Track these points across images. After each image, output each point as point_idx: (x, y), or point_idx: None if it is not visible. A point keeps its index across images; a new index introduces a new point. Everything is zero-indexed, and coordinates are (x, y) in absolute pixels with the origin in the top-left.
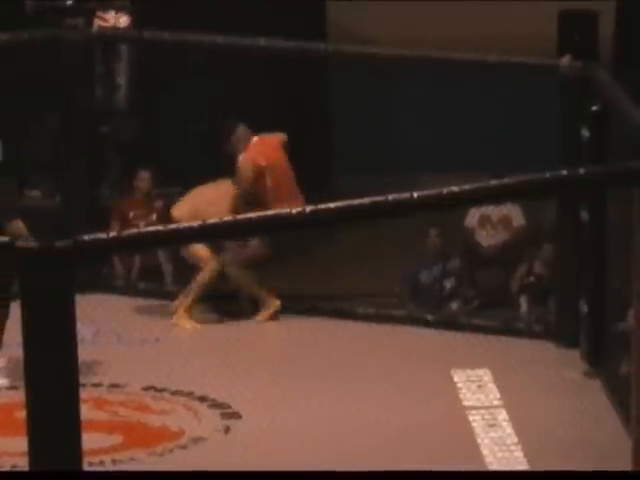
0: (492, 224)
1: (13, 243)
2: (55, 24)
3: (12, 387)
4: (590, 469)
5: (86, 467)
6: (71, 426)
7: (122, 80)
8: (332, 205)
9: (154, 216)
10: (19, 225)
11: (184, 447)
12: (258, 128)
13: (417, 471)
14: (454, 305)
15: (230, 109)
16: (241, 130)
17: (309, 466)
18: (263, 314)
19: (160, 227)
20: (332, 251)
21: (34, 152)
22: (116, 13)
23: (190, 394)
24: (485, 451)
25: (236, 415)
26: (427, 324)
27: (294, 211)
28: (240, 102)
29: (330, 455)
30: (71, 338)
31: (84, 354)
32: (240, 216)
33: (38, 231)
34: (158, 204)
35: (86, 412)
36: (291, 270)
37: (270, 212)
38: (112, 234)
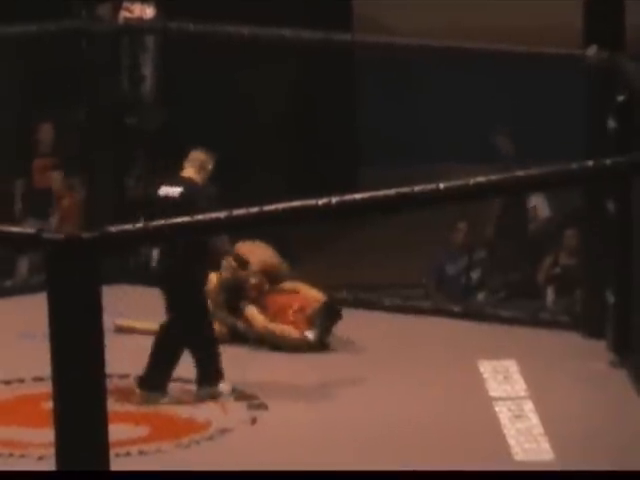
0: None
1: (41, 234)
2: (82, 15)
3: (38, 378)
4: (616, 459)
5: (113, 458)
6: (98, 417)
7: (148, 71)
8: (358, 196)
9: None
10: None
11: (211, 438)
12: (284, 120)
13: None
14: (480, 296)
15: (255, 101)
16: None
17: (334, 456)
18: None
19: (186, 219)
20: (358, 242)
21: (60, 143)
22: (142, 4)
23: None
24: (512, 442)
25: (263, 406)
26: (453, 315)
27: (320, 202)
28: (265, 96)
29: (355, 445)
30: (98, 329)
31: (111, 345)
32: (267, 206)
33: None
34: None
35: (113, 403)
36: (318, 261)
37: (296, 203)
38: (138, 226)
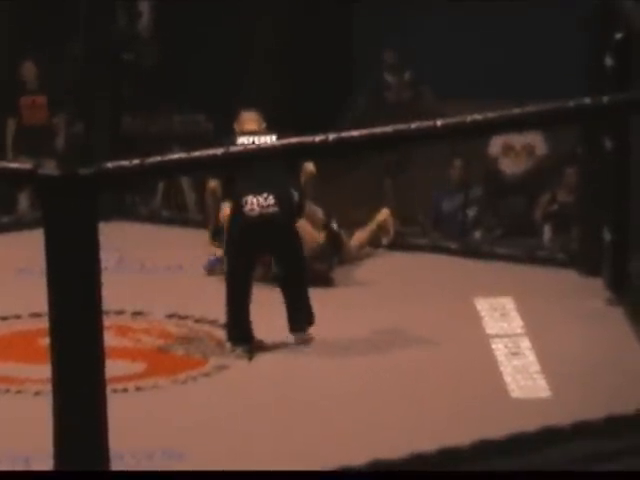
0: (515, 152)
1: (36, 170)
2: None
3: (35, 314)
4: (613, 397)
5: (110, 394)
6: (94, 353)
7: (144, 7)
8: (355, 133)
9: None
10: None
11: (207, 375)
12: (279, 51)
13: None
14: (477, 233)
15: (248, 32)
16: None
17: (331, 392)
18: None
19: (183, 155)
20: (355, 178)
21: (57, 79)
22: None
23: (214, 322)
24: (508, 379)
25: (260, 343)
26: (450, 252)
27: (318, 139)
28: (262, 26)
29: (351, 383)
30: (94, 265)
31: (107, 281)
32: (263, 143)
33: (62, 158)
34: None
35: (109, 339)
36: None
37: (294, 139)
38: (135, 162)
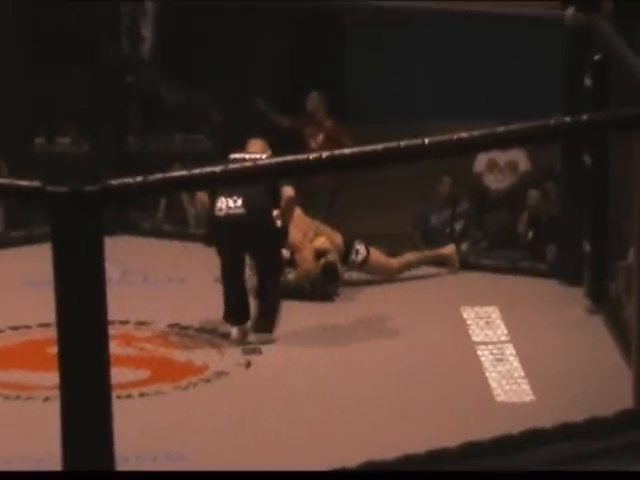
0: (499, 169)
1: (44, 187)
2: None
3: (44, 324)
4: (592, 402)
5: (115, 400)
6: (100, 361)
7: (147, 33)
8: (347, 151)
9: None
10: None
11: (208, 381)
12: (276, 77)
13: None
14: (464, 246)
15: (246, 58)
16: None
17: (325, 397)
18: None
19: (183, 172)
20: (347, 196)
21: (65, 102)
22: None
23: (213, 331)
24: (493, 384)
25: (257, 351)
26: (438, 264)
27: (312, 157)
28: (258, 53)
29: (346, 388)
30: (100, 278)
31: (112, 293)
32: (260, 161)
33: (68, 176)
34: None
35: (114, 348)
36: (312, 214)
37: (289, 157)
38: (138, 179)
